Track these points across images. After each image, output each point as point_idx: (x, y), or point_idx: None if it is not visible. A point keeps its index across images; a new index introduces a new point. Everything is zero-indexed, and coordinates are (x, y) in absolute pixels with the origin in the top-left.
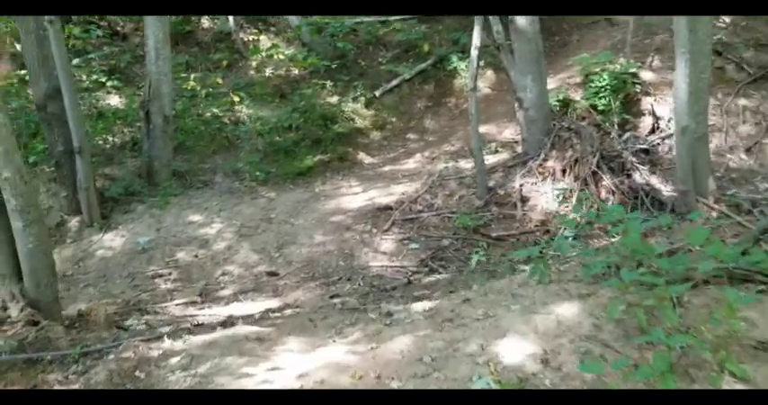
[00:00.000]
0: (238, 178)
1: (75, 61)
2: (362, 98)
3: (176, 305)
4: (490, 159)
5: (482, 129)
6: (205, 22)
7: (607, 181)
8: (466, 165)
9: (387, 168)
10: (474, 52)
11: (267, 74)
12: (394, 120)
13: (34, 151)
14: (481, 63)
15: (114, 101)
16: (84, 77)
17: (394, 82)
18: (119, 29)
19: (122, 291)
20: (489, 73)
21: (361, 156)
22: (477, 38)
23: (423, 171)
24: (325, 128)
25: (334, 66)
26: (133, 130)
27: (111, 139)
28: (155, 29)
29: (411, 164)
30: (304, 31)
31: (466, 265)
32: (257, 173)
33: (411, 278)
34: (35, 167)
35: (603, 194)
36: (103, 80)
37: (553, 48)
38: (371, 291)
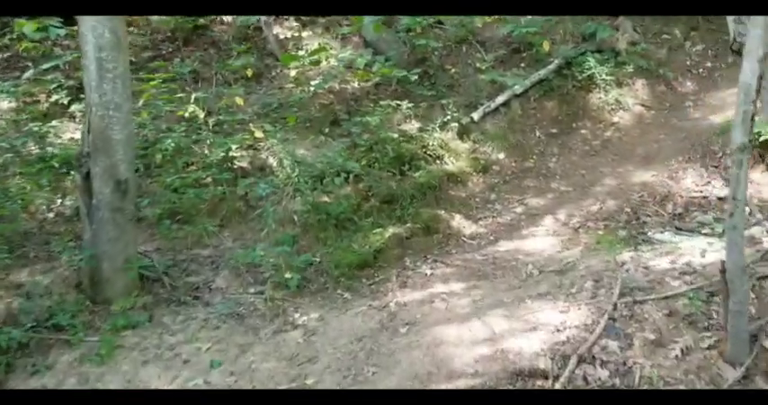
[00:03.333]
0: (255, 281)
1: (27, 74)
2: (455, 124)
3: None
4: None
5: (646, 175)
6: None
7: None
8: (659, 259)
9: (502, 248)
10: (752, 72)
11: (311, 89)
12: (502, 156)
13: None
14: (628, 68)
15: (77, 135)
16: (43, 98)
17: (500, 98)
18: None
19: None
20: (640, 84)
21: (458, 222)
22: (756, 40)
23: (567, 256)
24: (400, 175)
25: (412, 77)
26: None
27: (46, 207)
28: (97, 27)
29: (540, 237)
30: (367, 24)
31: None
32: (288, 274)
33: None
34: None
35: None
36: (66, 101)
37: (728, 41)
38: None
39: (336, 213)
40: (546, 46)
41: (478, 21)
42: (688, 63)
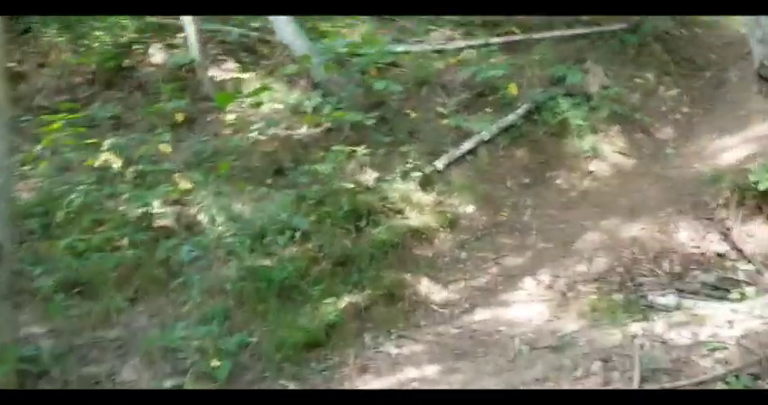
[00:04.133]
0: (174, 371)
1: None
2: (417, 174)
3: None
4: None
5: (634, 229)
6: (155, 52)
7: None
8: (678, 331)
9: (480, 317)
10: None
11: (252, 135)
12: (470, 210)
13: None
14: (601, 113)
15: None
16: None
17: (465, 145)
18: None
19: None
20: (615, 131)
21: (426, 286)
22: None
23: (560, 327)
24: (357, 232)
25: (368, 121)
26: None
27: None
28: None
29: (523, 303)
30: (316, 65)
31: None
32: (215, 361)
33: None
34: None
35: None
36: None
37: (704, 90)
38: None
39: (279, 280)
40: (513, 89)
41: (439, 61)
42: (663, 109)
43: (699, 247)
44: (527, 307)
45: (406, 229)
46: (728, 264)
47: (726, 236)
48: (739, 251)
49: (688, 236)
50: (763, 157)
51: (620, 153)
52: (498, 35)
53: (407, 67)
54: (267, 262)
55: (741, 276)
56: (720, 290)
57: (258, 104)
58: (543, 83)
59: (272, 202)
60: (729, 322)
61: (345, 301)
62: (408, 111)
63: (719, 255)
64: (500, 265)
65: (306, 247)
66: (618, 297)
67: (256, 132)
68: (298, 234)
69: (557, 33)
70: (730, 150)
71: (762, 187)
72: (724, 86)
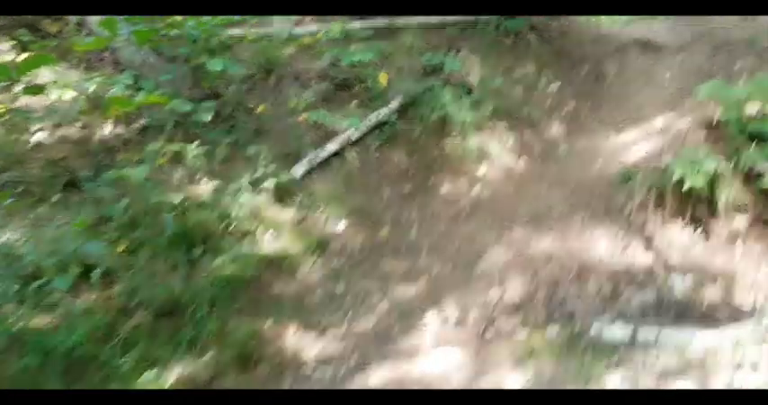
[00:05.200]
0: None
1: None
2: (269, 183)
3: None
4: None
5: (544, 242)
6: None
7: None
8: (675, 381)
9: (372, 378)
10: None
11: (31, 137)
12: (342, 227)
13: None
14: (485, 108)
15: None
16: None
17: (330, 147)
18: None
19: None
20: (502, 128)
21: (294, 338)
22: None
23: (495, 384)
24: (189, 266)
25: (202, 114)
26: None
27: None
28: None
29: (430, 351)
30: (124, 34)
31: None
32: None
33: None
34: None
35: None
36: None
37: (584, 84)
38: None
39: (64, 350)
40: (383, 79)
41: (293, 43)
42: (548, 103)
43: (623, 260)
44: (438, 357)
45: (259, 258)
46: (660, 278)
47: (649, 244)
48: (665, 262)
49: (608, 246)
50: (670, 152)
51: (511, 153)
52: (359, 19)
53: (249, 52)
54: (43, 320)
55: (678, 293)
56: (661, 311)
57: (38, 91)
58: (416, 73)
59: (57, 226)
60: (754, 365)
61: (175, 373)
62: (253, 104)
63: (647, 268)
64: (390, 298)
65: (109, 292)
66: (552, 331)
67: (38, 132)
68: (95, 273)
69: (423, 20)
70: (630, 147)
71: (689, 185)
72: (604, 80)
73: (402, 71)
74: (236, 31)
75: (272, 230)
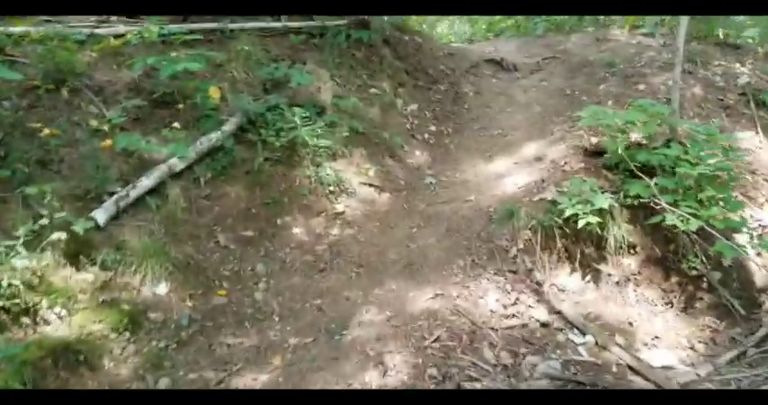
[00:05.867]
0: None
1: None
2: (59, 235)
3: None
4: None
5: (422, 298)
6: None
7: None
8: None
9: None
10: None
11: None
12: (164, 290)
13: None
14: (340, 131)
15: None
16: None
17: (144, 182)
18: None
19: None
20: (359, 155)
21: None
22: None
23: None
24: None
25: None
26: None
27: None
28: None
29: None
30: None
31: None
32: None
33: None
34: None
35: None
36: None
37: (443, 104)
38: None
39: None
40: (215, 95)
41: (95, 48)
42: (408, 126)
43: (516, 316)
44: None
45: (47, 346)
46: (560, 337)
47: (539, 294)
48: (560, 314)
49: (497, 300)
50: (550, 183)
51: (372, 185)
52: (182, 20)
53: (33, 56)
54: None
55: (585, 354)
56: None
57: None
58: (256, 87)
59: None
60: None
61: None
62: (37, 124)
63: (543, 324)
64: (233, 387)
65: None
66: None
67: None
68: None
69: (261, 24)
70: (504, 177)
71: (583, 223)
72: (462, 101)
73: (238, 85)
74: (17, 29)
75: (64, 303)
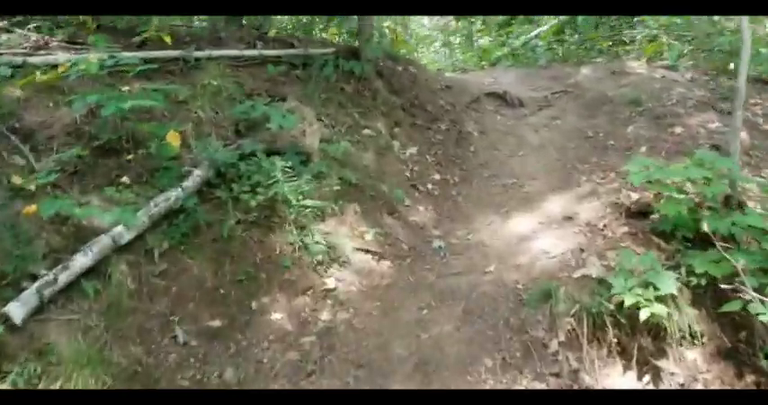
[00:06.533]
0: None
1: None
2: None
3: None
4: None
5: None
6: None
7: None
8: None
9: None
10: None
11: None
12: None
13: None
14: (330, 184)
15: None
16: None
17: (81, 259)
18: None
19: None
20: (352, 212)
21: None
22: None
23: None
24: None
25: None
26: None
27: None
28: None
29: None
30: None
31: None
32: None
33: None
34: None
35: None
36: None
37: (446, 146)
38: None
39: None
40: (174, 141)
41: (22, 81)
42: (408, 174)
43: None
44: None
45: None
46: None
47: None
48: None
49: None
50: (590, 253)
51: (369, 251)
52: (133, 46)
53: None
54: None
55: None
56: None
57: None
58: (227, 131)
59: None
60: None
61: None
62: None
63: None
64: None
65: None
66: None
67: None
68: None
69: (233, 52)
70: (529, 242)
71: (646, 315)
72: (467, 142)
73: (205, 127)
74: None
75: None
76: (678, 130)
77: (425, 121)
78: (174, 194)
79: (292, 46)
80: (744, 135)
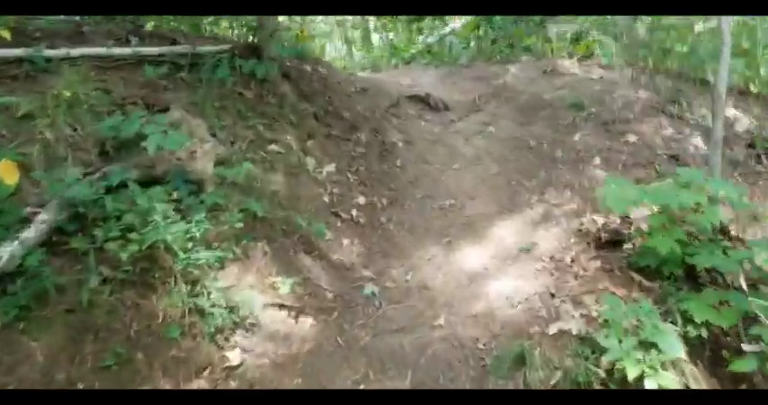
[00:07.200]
0: None
1: None
2: None
3: None
4: None
5: None
6: None
7: None
8: None
9: None
10: None
11: None
12: None
13: None
14: (231, 220)
15: None
16: None
17: None
18: None
19: None
20: (260, 254)
21: None
22: None
23: None
24: None
25: None
26: None
27: None
28: None
29: None
30: None
31: None
32: None
33: None
34: None
35: None
36: None
37: (368, 162)
38: None
39: None
40: (10, 173)
41: None
42: (327, 199)
43: None
44: None
45: None
46: None
47: None
48: None
49: None
50: (561, 299)
51: (284, 306)
52: None
53: None
54: None
55: None
56: None
57: None
58: (87, 153)
59: None
60: None
61: None
62: None
63: None
64: None
65: None
66: None
67: None
68: None
69: (98, 50)
70: (483, 282)
71: (651, 385)
72: (393, 155)
73: (57, 151)
74: None
75: None
76: (632, 138)
77: (342, 132)
78: (8, 250)
79: (176, 42)
80: (698, 142)
